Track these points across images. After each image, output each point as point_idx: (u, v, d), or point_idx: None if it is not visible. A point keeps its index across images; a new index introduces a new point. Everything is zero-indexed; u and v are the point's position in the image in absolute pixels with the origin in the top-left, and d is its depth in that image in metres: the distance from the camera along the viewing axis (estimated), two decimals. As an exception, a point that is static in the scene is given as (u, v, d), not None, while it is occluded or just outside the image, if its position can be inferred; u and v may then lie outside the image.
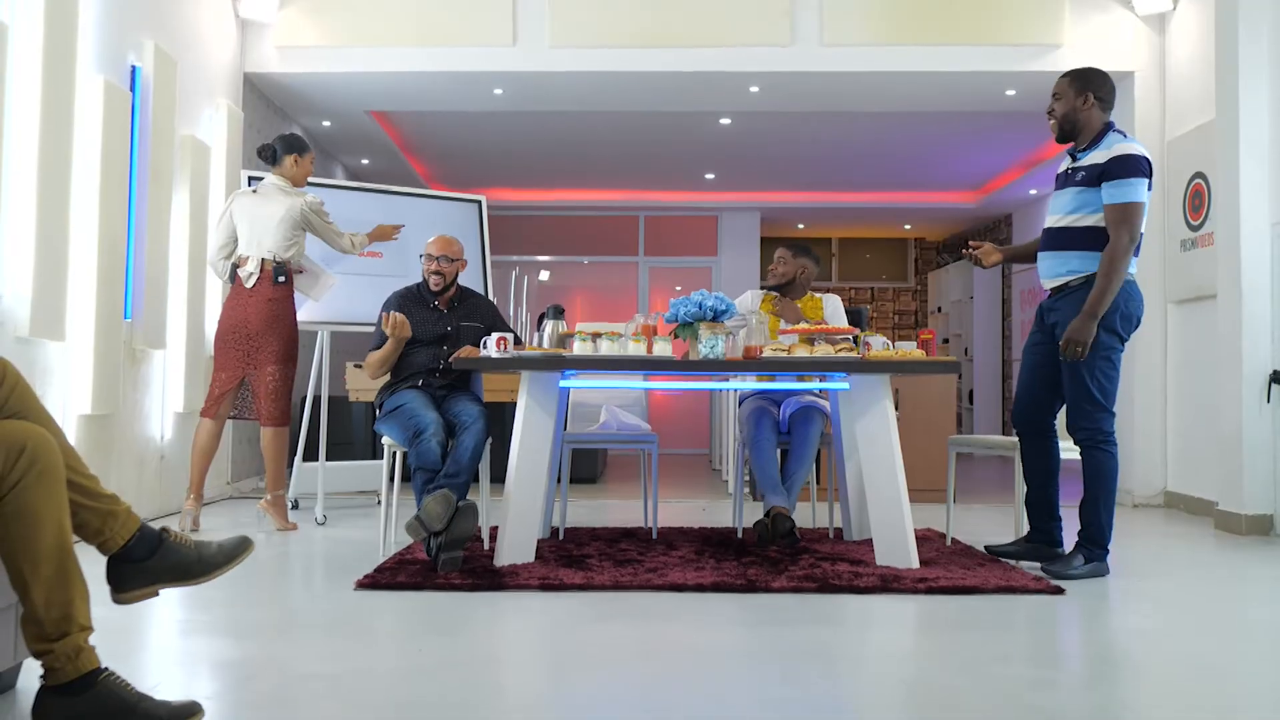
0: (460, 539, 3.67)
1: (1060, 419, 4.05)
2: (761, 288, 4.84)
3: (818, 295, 4.84)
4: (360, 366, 6.56)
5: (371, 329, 5.68)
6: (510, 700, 2.45)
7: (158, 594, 2.20)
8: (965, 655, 2.74)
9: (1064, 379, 3.85)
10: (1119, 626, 3.19)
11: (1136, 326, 3.86)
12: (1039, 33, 6.31)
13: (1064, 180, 3.90)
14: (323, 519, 5.11)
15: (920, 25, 6.31)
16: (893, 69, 6.37)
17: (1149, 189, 3.73)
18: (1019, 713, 2.26)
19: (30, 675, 2.33)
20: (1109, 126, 3.85)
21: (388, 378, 4.33)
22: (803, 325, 4.29)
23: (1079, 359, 3.75)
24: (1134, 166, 3.67)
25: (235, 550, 2.25)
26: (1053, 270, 3.90)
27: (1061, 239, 3.85)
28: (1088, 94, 3.83)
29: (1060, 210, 3.86)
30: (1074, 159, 3.89)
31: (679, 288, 11.48)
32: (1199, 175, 5.88)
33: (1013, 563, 4.01)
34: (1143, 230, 3.76)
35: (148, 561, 2.16)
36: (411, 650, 2.78)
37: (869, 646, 2.96)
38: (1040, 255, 3.97)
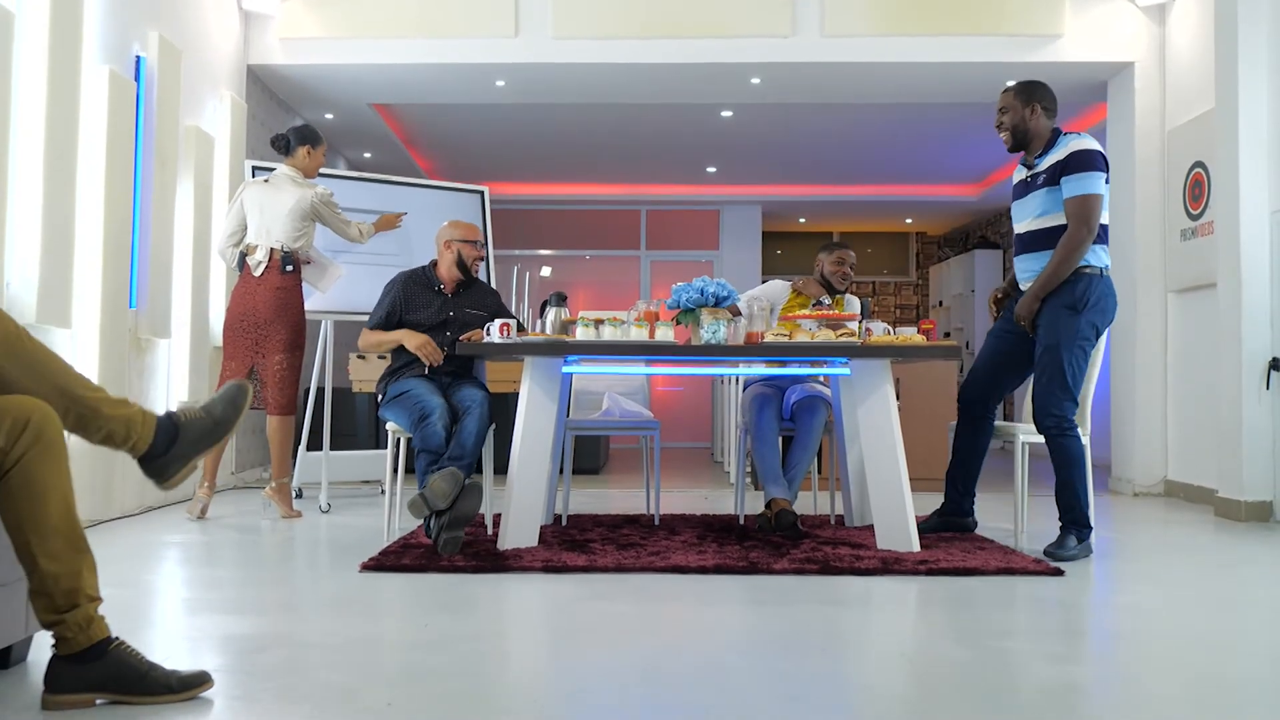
0: (463, 518, 3.69)
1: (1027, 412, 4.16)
2: (827, 286, 4.76)
3: (840, 295, 4.87)
4: (364, 357, 6.60)
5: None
6: (515, 670, 2.48)
7: (196, 466, 2.32)
8: (966, 631, 2.77)
9: (1037, 364, 3.94)
10: (1118, 604, 3.22)
11: (1111, 320, 3.97)
12: (1040, 23, 6.33)
13: (1025, 188, 4.06)
14: (327, 507, 5.14)
15: (921, 16, 6.34)
16: (894, 59, 6.40)
17: (1106, 182, 3.87)
18: (1019, 684, 2.29)
19: (41, 649, 2.36)
20: (1058, 132, 4.01)
21: (389, 360, 4.37)
22: (806, 311, 4.32)
23: (1026, 331, 3.96)
24: (1090, 161, 3.83)
25: (238, 399, 2.34)
26: (1031, 270, 4.04)
27: (1036, 240, 4.00)
28: (1034, 104, 4.01)
29: (1030, 214, 4.01)
30: (1031, 166, 4.04)
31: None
32: (1199, 165, 5.90)
33: (1011, 545, 4.05)
34: (1105, 221, 3.89)
35: (174, 447, 2.24)
36: (417, 625, 2.81)
37: (870, 623, 2.99)
38: (1017, 260, 4.12)
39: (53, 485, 2.01)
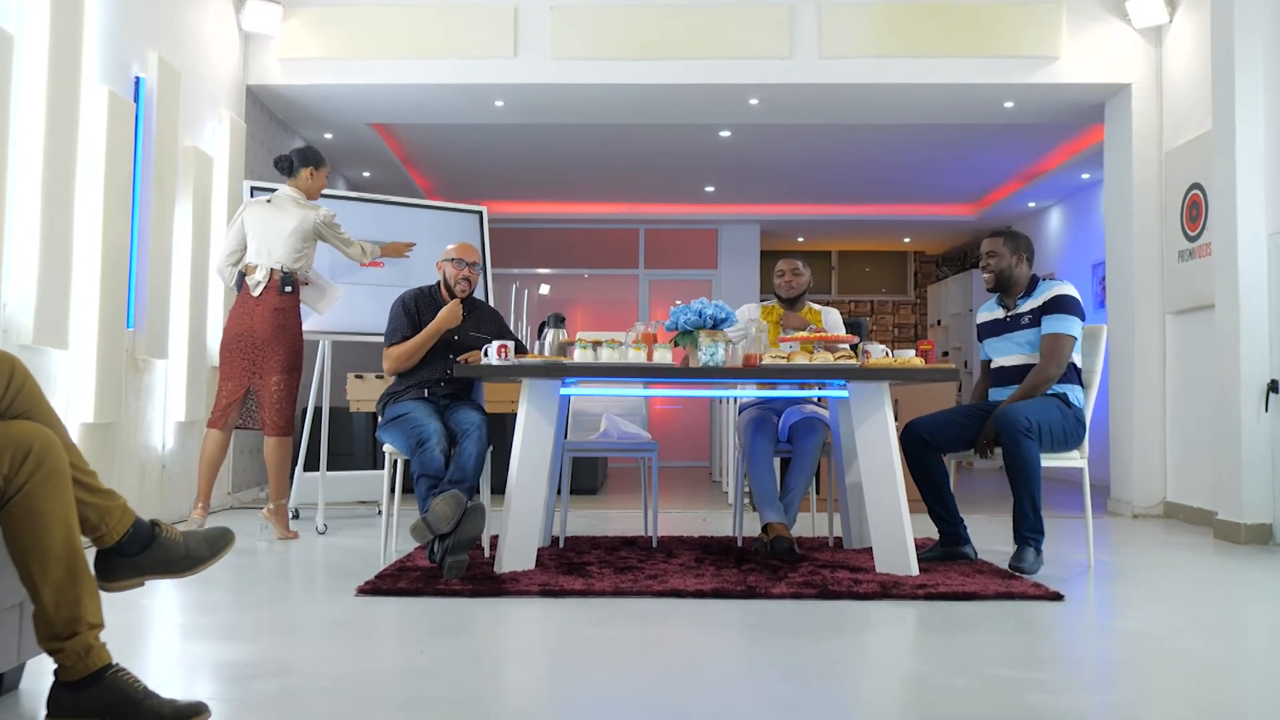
0: (467, 541, 3.67)
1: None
2: (778, 299, 4.84)
3: (816, 308, 4.87)
4: (361, 377, 6.59)
5: (372, 338, 5.71)
6: (513, 698, 2.46)
7: (143, 584, 2.23)
8: (964, 657, 2.75)
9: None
10: (1118, 630, 3.20)
11: (1079, 439, 4.15)
12: (1036, 45, 6.35)
13: (1003, 326, 4.31)
14: (323, 528, 5.12)
15: (919, 37, 6.36)
16: (891, 81, 6.42)
17: (1079, 328, 4.15)
18: (1017, 713, 2.27)
19: (32, 676, 2.35)
20: (1036, 278, 4.32)
21: (392, 381, 4.36)
22: (804, 333, 4.31)
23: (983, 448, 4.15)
24: (1071, 306, 4.14)
25: (218, 544, 2.30)
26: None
27: (1022, 375, 4.19)
28: (1020, 254, 4.30)
29: (1016, 349, 4.26)
30: (1009, 308, 4.30)
31: (679, 301, 11.50)
32: (1196, 186, 5.91)
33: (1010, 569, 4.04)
34: (1077, 362, 4.20)
35: (139, 556, 2.19)
36: (413, 652, 2.79)
37: (868, 649, 2.98)
38: (996, 391, 4.33)
39: (55, 514, 2.00)
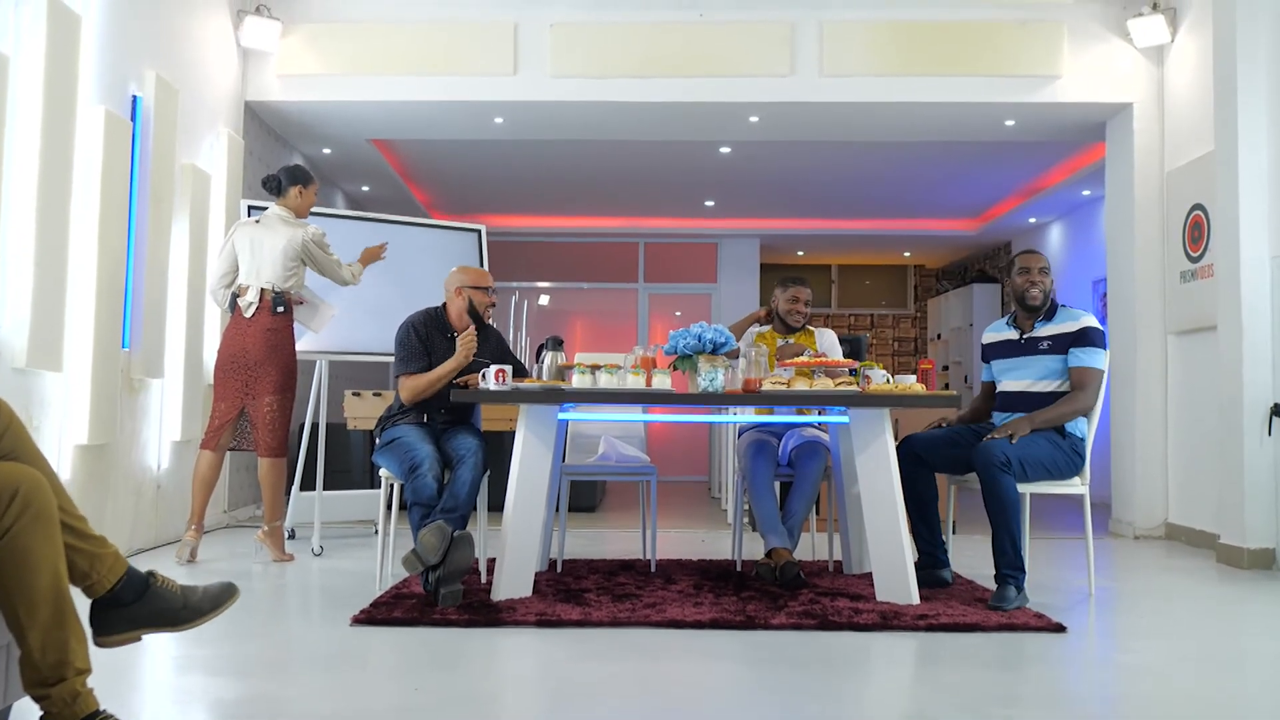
0: (457, 571, 3.63)
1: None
2: (780, 322, 4.79)
3: (810, 329, 4.84)
4: (359, 395, 6.55)
5: (370, 358, 5.68)
6: (506, 742, 2.43)
7: (140, 639, 2.17)
8: (966, 694, 2.71)
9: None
10: (1122, 664, 3.16)
11: (1077, 469, 4.08)
12: (1038, 64, 6.33)
13: (1017, 348, 4.22)
14: (319, 550, 5.07)
15: (920, 56, 6.34)
16: (892, 99, 6.39)
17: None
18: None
19: (21, 715, 2.31)
20: (1054, 302, 4.24)
21: (388, 407, 4.32)
22: (803, 358, 4.28)
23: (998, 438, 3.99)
24: (1101, 340, 4.10)
25: (220, 597, 2.24)
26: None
27: (1033, 402, 4.12)
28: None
29: (1033, 376, 4.18)
30: (1025, 330, 4.22)
31: (678, 314, 11.48)
32: (1198, 207, 5.89)
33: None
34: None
35: (133, 606, 2.14)
36: (408, 689, 2.75)
37: (868, 684, 2.94)
38: (1002, 416, 4.22)
39: (42, 556, 1.96)
